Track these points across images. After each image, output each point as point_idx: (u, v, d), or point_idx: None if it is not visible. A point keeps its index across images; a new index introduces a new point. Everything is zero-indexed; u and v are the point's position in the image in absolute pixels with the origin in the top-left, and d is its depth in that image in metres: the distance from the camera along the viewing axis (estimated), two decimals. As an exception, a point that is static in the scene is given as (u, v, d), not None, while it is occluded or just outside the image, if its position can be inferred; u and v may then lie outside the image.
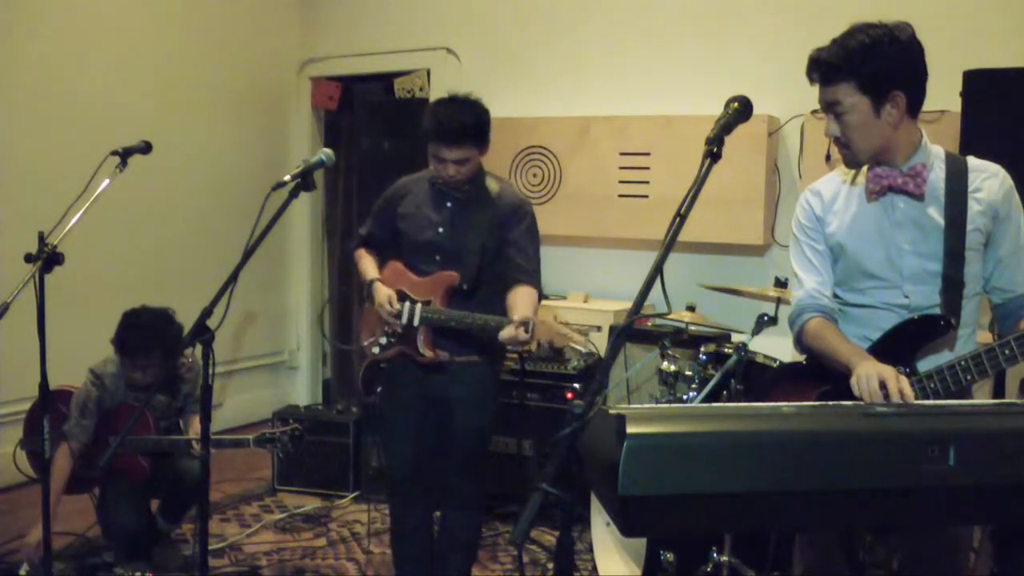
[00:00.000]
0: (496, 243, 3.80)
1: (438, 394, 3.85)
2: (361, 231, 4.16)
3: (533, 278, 3.82)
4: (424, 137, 3.74)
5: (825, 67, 2.66)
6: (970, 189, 2.71)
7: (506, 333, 3.50)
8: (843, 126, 2.68)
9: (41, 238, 3.59)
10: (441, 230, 3.82)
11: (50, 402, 3.88)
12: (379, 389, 4.08)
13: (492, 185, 3.88)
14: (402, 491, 4.02)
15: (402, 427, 3.94)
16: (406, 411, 3.92)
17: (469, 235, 3.77)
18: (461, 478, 3.93)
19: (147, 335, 4.35)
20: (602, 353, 5.34)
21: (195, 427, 4.49)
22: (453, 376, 3.84)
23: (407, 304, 3.78)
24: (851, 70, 2.60)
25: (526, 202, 3.95)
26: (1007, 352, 2.51)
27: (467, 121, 3.67)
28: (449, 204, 3.84)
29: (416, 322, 3.76)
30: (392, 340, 3.89)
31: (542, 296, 3.87)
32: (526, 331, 3.46)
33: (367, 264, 4.01)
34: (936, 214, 2.71)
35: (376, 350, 3.94)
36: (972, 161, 2.77)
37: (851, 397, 2.48)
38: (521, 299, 3.70)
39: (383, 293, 3.81)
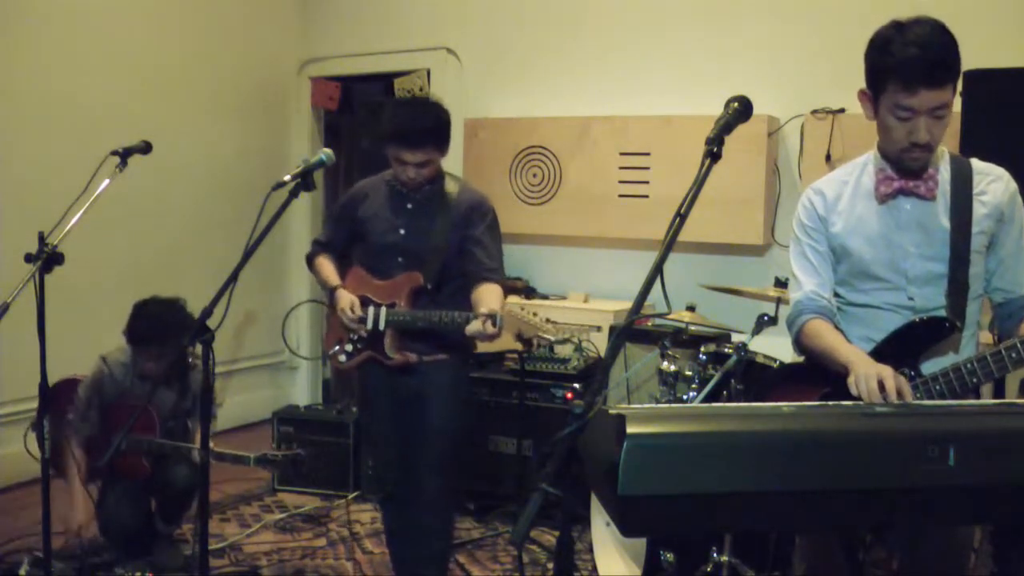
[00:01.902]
0: (459, 242, 3.79)
1: (408, 395, 3.84)
2: (319, 238, 4.13)
3: (497, 275, 3.82)
4: (383, 139, 3.72)
5: (944, 69, 2.53)
6: (975, 192, 2.70)
7: (473, 327, 3.51)
8: (938, 128, 2.61)
9: (41, 238, 3.59)
10: (402, 232, 3.81)
11: (53, 399, 3.92)
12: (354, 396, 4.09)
13: (451, 185, 3.85)
14: (392, 494, 4.02)
15: (383, 433, 3.97)
16: (383, 417, 3.94)
17: (431, 235, 3.77)
18: (435, 480, 3.87)
19: (157, 324, 4.38)
20: (602, 353, 5.34)
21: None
22: (423, 377, 3.83)
23: (371, 308, 3.80)
24: (956, 70, 2.56)
25: (486, 200, 3.92)
26: (1014, 355, 2.49)
27: (428, 124, 3.66)
28: (409, 206, 3.83)
29: (381, 325, 3.77)
30: (359, 346, 3.88)
31: (507, 291, 3.93)
32: (494, 324, 3.47)
33: (328, 272, 3.99)
34: (942, 216, 2.70)
35: (343, 358, 3.93)
36: (976, 163, 2.76)
37: (852, 398, 2.48)
38: (486, 295, 3.70)
39: (345, 299, 3.81)
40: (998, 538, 3.86)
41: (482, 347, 4.23)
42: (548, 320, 3.62)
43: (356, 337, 3.87)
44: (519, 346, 3.96)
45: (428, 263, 3.76)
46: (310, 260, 4.10)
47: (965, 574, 2.94)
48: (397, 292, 3.78)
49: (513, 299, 5.82)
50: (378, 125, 3.76)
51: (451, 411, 3.88)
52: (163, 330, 4.37)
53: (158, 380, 4.46)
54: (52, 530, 3.79)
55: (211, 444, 4.02)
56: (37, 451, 4.41)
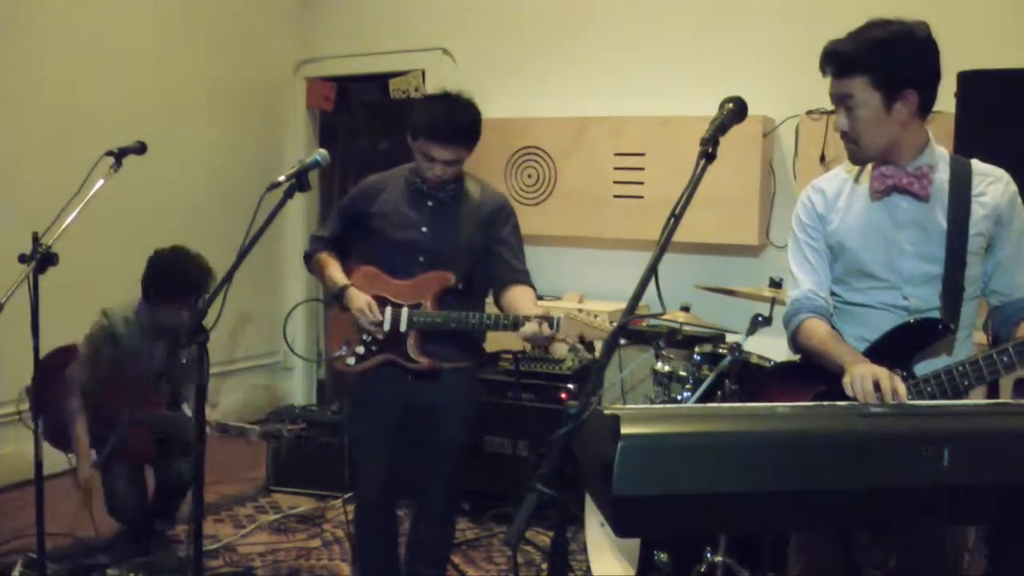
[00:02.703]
0: (484, 242, 3.68)
1: (422, 403, 3.66)
2: (322, 233, 3.92)
3: (528, 278, 3.74)
4: (413, 133, 3.57)
5: (841, 59, 2.62)
6: (974, 193, 2.70)
7: (528, 329, 3.36)
8: (853, 120, 2.65)
9: (35, 239, 3.59)
10: (425, 230, 3.66)
11: (49, 367, 3.99)
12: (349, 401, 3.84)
13: (472, 185, 3.74)
14: (375, 513, 3.85)
15: (380, 443, 3.74)
16: (386, 425, 3.71)
17: (458, 235, 3.63)
18: (441, 492, 3.77)
19: (185, 277, 4.42)
20: (597, 354, 5.34)
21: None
22: (441, 384, 3.66)
23: (389, 309, 3.61)
24: (866, 65, 2.58)
25: (509, 201, 3.82)
26: (1005, 359, 2.50)
27: (464, 122, 3.56)
28: (430, 203, 3.68)
29: (404, 327, 3.58)
30: (373, 348, 3.67)
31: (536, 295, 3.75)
32: (551, 326, 3.35)
33: (334, 269, 3.78)
34: (939, 216, 2.69)
35: (352, 361, 3.71)
36: (976, 164, 2.75)
37: (847, 398, 2.48)
38: (522, 297, 3.61)
39: (361, 299, 3.61)
40: (993, 538, 3.87)
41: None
42: (611, 321, 3.48)
43: (370, 339, 3.66)
44: (577, 349, 3.80)
45: (457, 263, 3.61)
46: (309, 257, 3.90)
47: (959, 574, 2.94)
48: (422, 292, 3.61)
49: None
50: (410, 119, 3.59)
51: (467, 424, 3.77)
52: (190, 283, 4.40)
53: (176, 335, 4.52)
54: (46, 531, 3.79)
55: (213, 418, 4.07)
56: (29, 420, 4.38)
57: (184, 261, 4.50)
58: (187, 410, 4.67)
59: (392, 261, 3.70)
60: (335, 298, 3.73)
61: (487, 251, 3.70)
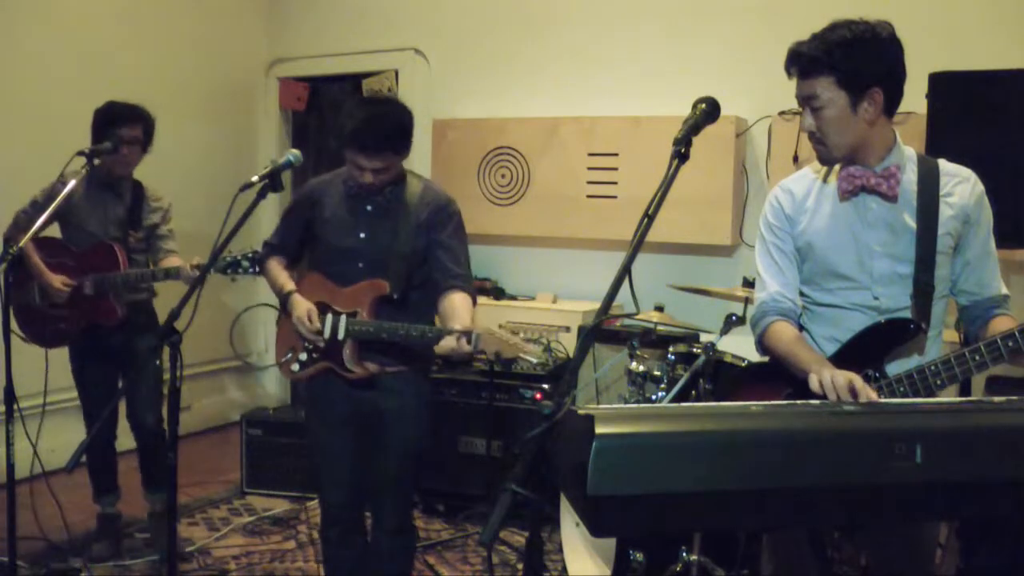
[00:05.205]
0: (424, 246, 3.54)
1: (369, 409, 3.58)
2: (271, 240, 3.82)
3: (467, 283, 3.57)
4: (341, 141, 3.43)
5: (804, 60, 2.64)
6: (942, 193, 2.71)
7: (447, 344, 3.27)
8: (819, 121, 2.66)
9: (6, 241, 3.56)
10: (362, 235, 3.54)
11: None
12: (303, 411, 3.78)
13: (414, 184, 3.59)
14: (340, 523, 3.73)
15: (337, 450, 3.65)
16: (340, 432, 3.63)
17: (395, 240, 3.51)
18: (396, 499, 3.66)
19: (131, 111, 4.63)
20: (571, 353, 5.35)
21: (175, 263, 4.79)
22: (384, 389, 3.57)
23: (329, 317, 3.49)
24: (830, 64, 2.60)
25: (452, 201, 3.64)
26: (977, 358, 2.51)
27: (389, 130, 3.38)
28: (369, 207, 3.55)
29: (341, 335, 3.48)
30: (315, 356, 3.58)
31: (476, 301, 3.62)
32: (469, 342, 3.23)
33: (280, 275, 3.72)
34: (908, 217, 2.70)
35: (296, 367, 3.62)
36: (944, 164, 2.77)
37: (817, 398, 2.48)
38: (458, 307, 3.46)
39: (302, 307, 3.51)
40: (965, 533, 3.90)
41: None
42: (522, 335, 3.42)
43: (311, 346, 3.58)
44: (553, 349, 3.73)
45: (393, 269, 3.49)
46: (261, 261, 3.80)
47: (932, 569, 2.96)
48: (359, 300, 3.50)
49: (483, 300, 5.78)
50: (338, 125, 3.47)
51: (416, 429, 3.65)
52: (137, 110, 4.64)
53: (131, 164, 4.78)
54: (18, 534, 3.76)
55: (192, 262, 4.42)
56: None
57: (128, 106, 4.67)
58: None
59: (335, 268, 3.60)
60: (281, 304, 3.65)
61: (427, 255, 3.57)
